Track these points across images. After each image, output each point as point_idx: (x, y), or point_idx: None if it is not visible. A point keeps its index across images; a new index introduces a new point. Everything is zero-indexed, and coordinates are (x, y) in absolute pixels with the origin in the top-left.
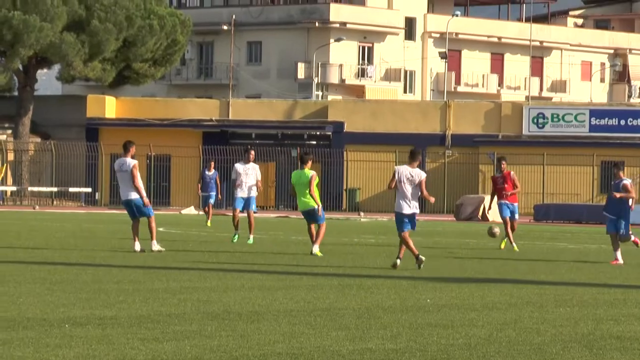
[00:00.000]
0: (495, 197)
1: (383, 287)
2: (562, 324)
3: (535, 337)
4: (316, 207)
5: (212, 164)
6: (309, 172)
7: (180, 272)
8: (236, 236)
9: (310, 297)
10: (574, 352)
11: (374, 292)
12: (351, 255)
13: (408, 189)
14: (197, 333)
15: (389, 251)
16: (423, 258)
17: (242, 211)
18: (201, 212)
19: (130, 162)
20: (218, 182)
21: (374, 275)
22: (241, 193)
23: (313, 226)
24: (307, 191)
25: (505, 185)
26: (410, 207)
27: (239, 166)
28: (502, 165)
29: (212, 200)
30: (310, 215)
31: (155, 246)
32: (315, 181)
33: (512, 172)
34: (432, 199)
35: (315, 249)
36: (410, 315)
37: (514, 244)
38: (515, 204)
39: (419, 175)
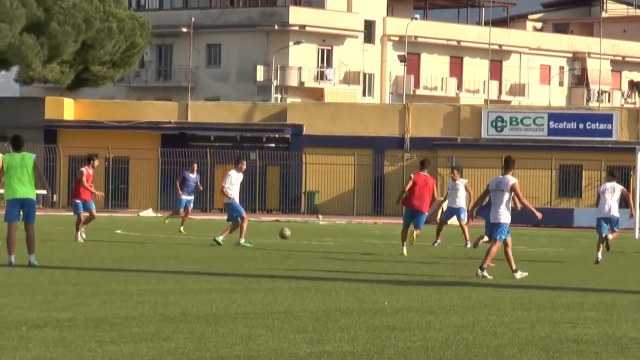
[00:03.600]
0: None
1: (341, 289)
2: (519, 327)
3: (492, 339)
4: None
5: (195, 166)
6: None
7: (138, 275)
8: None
9: (268, 300)
10: (530, 355)
11: (332, 295)
12: (309, 258)
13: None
14: (155, 335)
15: (347, 254)
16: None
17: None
18: (160, 214)
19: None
20: (199, 186)
21: (331, 278)
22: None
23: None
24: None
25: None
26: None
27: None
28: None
29: (191, 205)
30: None
31: None
32: None
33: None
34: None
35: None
36: (368, 317)
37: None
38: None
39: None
